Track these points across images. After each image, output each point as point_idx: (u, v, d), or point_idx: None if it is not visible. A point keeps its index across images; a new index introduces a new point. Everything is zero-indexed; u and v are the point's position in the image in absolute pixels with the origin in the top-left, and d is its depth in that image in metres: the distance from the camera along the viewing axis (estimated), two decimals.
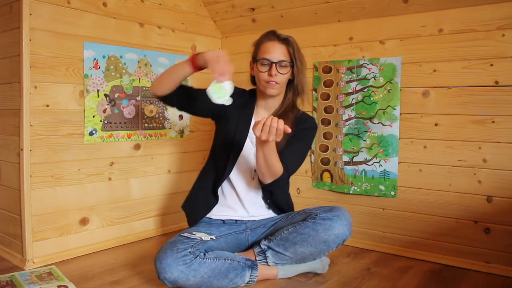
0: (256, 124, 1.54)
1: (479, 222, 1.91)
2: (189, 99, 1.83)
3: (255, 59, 1.81)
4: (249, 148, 1.82)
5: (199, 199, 1.87)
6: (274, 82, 1.74)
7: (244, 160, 1.83)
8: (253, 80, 1.90)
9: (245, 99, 1.89)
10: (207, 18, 2.62)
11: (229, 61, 1.60)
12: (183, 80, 1.75)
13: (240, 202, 1.85)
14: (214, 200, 1.84)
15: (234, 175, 1.83)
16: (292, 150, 1.77)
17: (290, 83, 1.83)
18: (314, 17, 2.30)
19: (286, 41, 1.77)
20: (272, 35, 1.78)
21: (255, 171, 1.81)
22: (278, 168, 1.69)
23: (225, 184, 1.86)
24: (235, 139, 1.81)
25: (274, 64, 1.73)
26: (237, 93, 1.82)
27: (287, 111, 1.82)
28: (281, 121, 1.52)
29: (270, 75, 1.74)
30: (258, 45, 1.82)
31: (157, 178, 2.39)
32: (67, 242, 2.00)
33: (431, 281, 1.78)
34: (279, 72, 1.74)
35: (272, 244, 1.72)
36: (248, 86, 1.94)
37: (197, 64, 1.67)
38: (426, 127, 2.03)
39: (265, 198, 1.86)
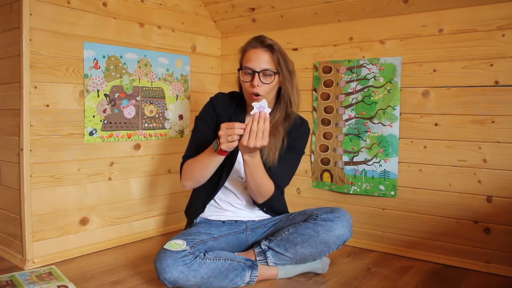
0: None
1: (479, 222, 1.91)
2: None
3: (240, 67, 1.70)
4: (242, 159, 1.76)
5: (194, 208, 1.86)
6: (257, 95, 1.61)
7: (237, 171, 1.79)
8: (241, 88, 1.77)
9: (233, 109, 1.77)
10: (207, 18, 2.62)
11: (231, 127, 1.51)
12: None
13: (235, 210, 1.84)
14: (201, 211, 1.83)
15: (228, 185, 1.81)
16: (285, 165, 1.72)
17: (281, 92, 1.72)
18: (314, 17, 2.30)
19: (270, 47, 1.64)
20: (255, 42, 1.66)
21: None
22: (268, 187, 1.67)
23: (219, 194, 1.83)
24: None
25: (257, 74, 1.61)
26: (224, 105, 1.77)
27: (277, 125, 1.70)
28: (266, 121, 1.48)
29: (253, 85, 1.62)
30: (242, 52, 1.70)
31: (157, 178, 2.39)
32: (67, 242, 2.00)
33: (431, 281, 1.78)
34: (262, 82, 1.62)
35: (273, 245, 1.72)
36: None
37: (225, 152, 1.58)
38: (426, 127, 2.03)
39: (260, 208, 1.85)
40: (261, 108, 1.51)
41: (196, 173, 1.67)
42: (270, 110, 1.52)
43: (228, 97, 1.82)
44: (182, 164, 1.76)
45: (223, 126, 1.52)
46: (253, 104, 1.51)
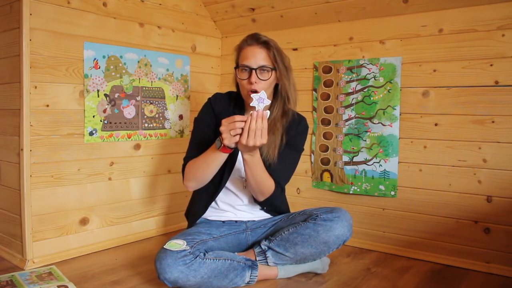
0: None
1: (479, 222, 1.91)
2: None
3: (237, 65, 1.70)
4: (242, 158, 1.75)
5: (195, 209, 1.87)
6: (255, 92, 1.59)
7: (237, 171, 1.79)
8: (238, 87, 1.78)
9: (232, 109, 1.76)
10: (207, 18, 2.62)
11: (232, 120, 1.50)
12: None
13: (235, 211, 1.84)
14: (203, 213, 1.83)
15: (229, 185, 1.81)
16: (285, 162, 1.72)
17: (278, 89, 1.72)
18: (314, 17, 2.30)
19: (266, 44, 1.65)
20: (251, 39, 1.67)
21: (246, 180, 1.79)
22: (269, 184, 1.67)
23: (220, 195, 1.83)
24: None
25: (254, 71, 1.62)
26: (222, 105, 1.76)
27: (276, 122, 1.71)
28: (265, 120, 1.47)
29: (250, 83, 1.63)
30: (238, 50, 1.71)
31: (157, 178, 2.39)
32: (67, 242, 2.00)
33: (431, 281, 1.78)
34: (260, 79, 1.62)
35: (273, 245, 1.72)
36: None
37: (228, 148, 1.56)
38: (426, 127, 2.03)
39: (261, 206, 1.86)
40: (261, 99, 1.50)
41: (199, 173, 1.66)
42: (270, 101, 1.53)
43: (226, 97, 1.82)
44: (184, 165, 1.75)
45: (224, 121, 1.51)
46: (252, 95, 1.51)
